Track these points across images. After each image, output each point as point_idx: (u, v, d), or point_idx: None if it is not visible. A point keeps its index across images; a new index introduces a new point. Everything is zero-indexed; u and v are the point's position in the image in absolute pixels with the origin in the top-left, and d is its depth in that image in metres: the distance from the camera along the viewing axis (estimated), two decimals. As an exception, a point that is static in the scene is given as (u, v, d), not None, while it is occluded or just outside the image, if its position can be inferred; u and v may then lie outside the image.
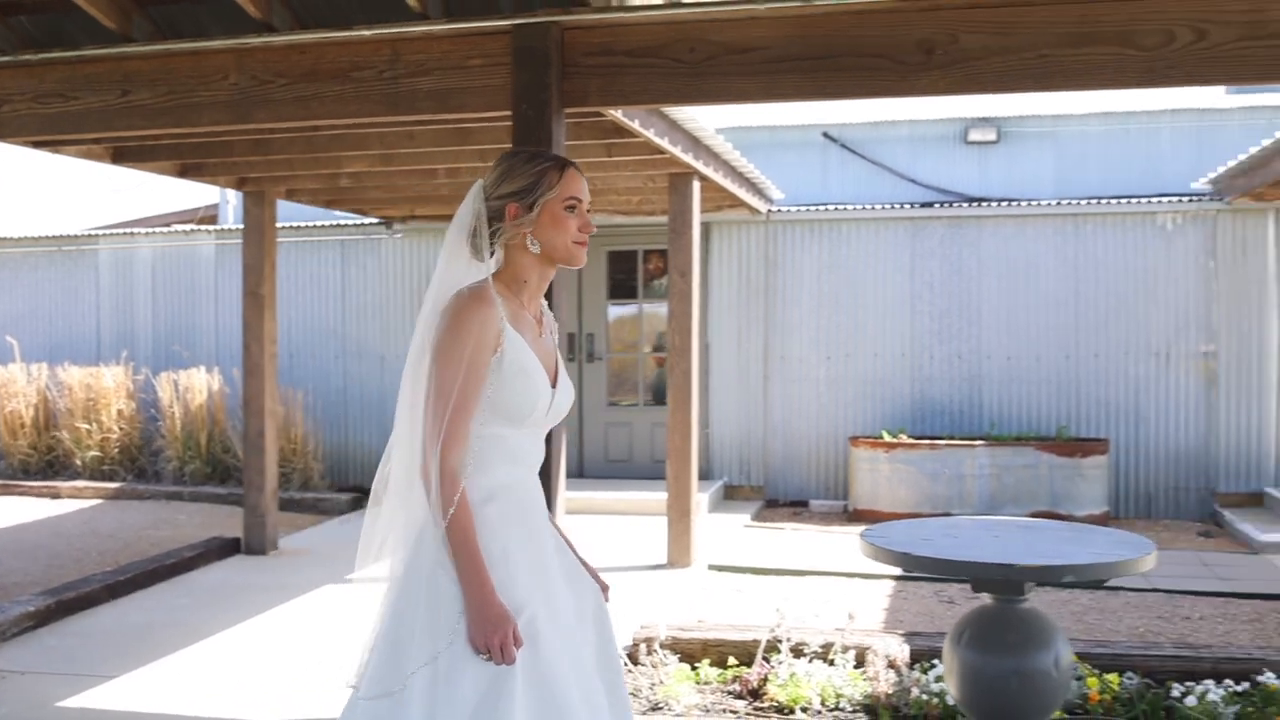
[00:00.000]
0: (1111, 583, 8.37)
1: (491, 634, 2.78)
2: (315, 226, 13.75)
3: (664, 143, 7.41)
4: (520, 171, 2.98)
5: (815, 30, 5.22)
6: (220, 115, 6.00)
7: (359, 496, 11.96)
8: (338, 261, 13.69)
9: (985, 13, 5.13)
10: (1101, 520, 11.14)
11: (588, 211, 3.04)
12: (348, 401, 13.59)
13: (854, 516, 11.45)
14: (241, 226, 10.09)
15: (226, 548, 9.51)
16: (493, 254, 3.00)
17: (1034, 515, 10.86)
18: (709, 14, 5.27)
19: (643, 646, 6.42)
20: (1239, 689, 5.68)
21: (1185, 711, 5.44)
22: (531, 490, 3.07)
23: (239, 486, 11.71)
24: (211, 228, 14.58)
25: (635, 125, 6.73)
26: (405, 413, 3.03)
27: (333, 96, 5.78)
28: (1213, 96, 15.82)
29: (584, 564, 3.24)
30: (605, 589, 3.23)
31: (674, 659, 6.37)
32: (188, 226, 14.96)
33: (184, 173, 9.17)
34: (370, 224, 13.49)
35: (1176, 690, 5.67)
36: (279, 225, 10.88)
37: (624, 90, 5.43)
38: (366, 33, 5.58)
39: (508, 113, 5.51)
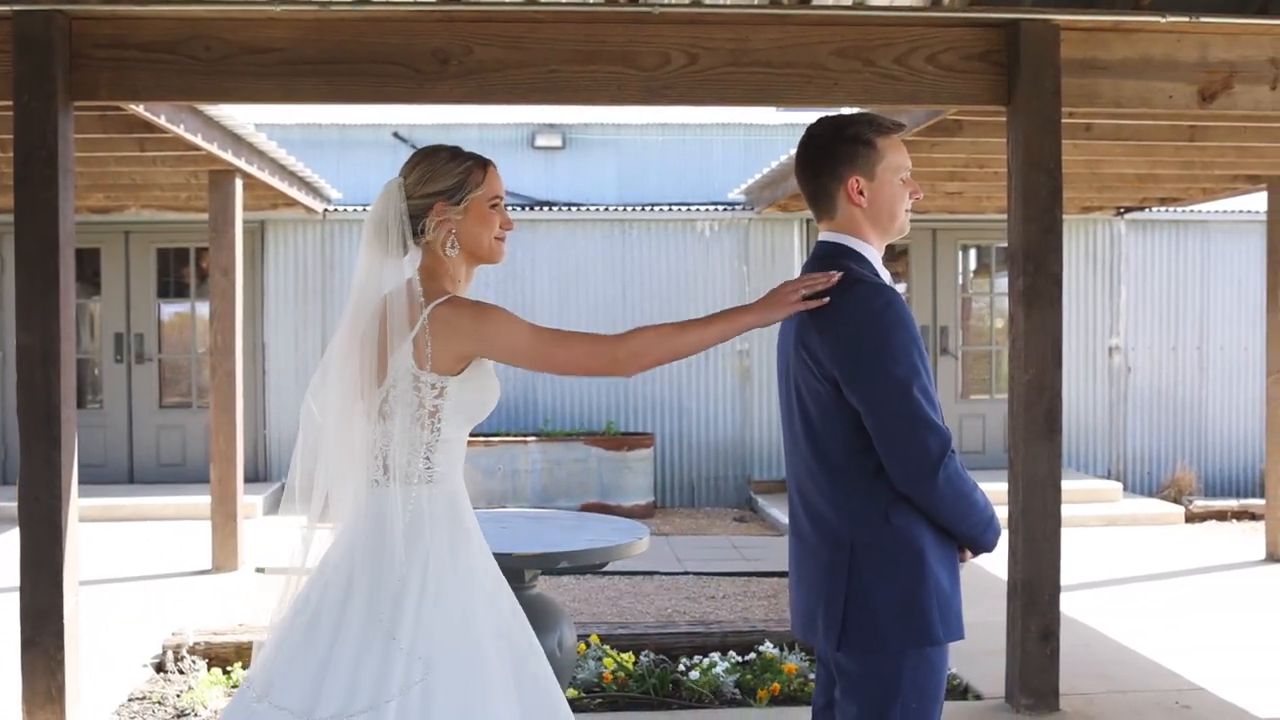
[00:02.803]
0: (646, 568, 8.92)
1: (788, 292, 2.86)
2: None
3: (198, 139, 7.23)
4: (445, 170, 2.94)
5: (333, 35, 5.27)
6: None
7: None
8: None
9: (498, 27, 5.35)
10: (648, 510, 11.78)
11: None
12: None
13: (414, 514, 11.52)
14: None
15: None
16: (407, 252, 2.96)
17: (585, 507, 11.35)
18: (225, 12, 5.22)
19: (171, 654, 6.27)
20: (743, 659, 6.21)
21: (690, 683, 5.88)
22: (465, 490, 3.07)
23: None
24: None
25: (162, 120, 6.54)
26: (337, 416, 2.93)
27: None
28: (762, 114, 17.00)
29: None
30: None
31: (204, 664, 6.27)
32: None
33: None
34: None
35: (685, 664, 6.14)
36: None
37: (136, 85, 5.28)
38: None
39: (10, 102, 5.24)
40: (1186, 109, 5.92)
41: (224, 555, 8.75)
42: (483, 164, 2.99)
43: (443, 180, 2.93)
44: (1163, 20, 5.55)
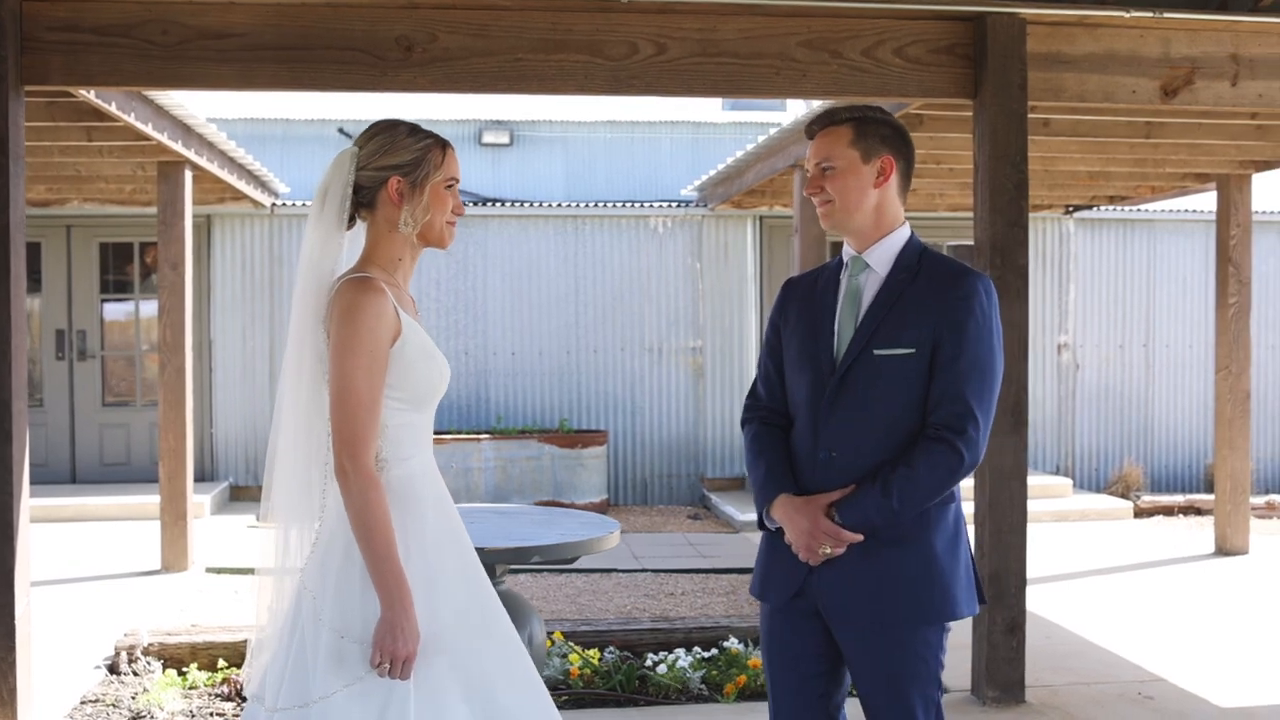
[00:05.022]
0: (604, 565, 8.86)
1: (403, 646, 2.64)
2: None
3: (148, 129, 7.08)
4: (404, 145, 2.83)
5: (294, 20, 5.16)
6: None
7: None
8: None
9: (463, 14, 5.27)
10: (601, 507, 11.71)
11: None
12: None
13: (364, 513, 11.38)
14: None
15: None
16: (353, 226, 2.85)
17: (539, 505, 11.25)
18: (183, -5, 5.11)
19: (124, 655, 6.12)
20: (707, 655, 6.16)
21: (657, 678, 5.83)
22: (438, 472, 2.94)
23: None
24: None
25: (112, 108, 6.39)
26: (289, 408, 2.82)
27: None
28: (709, 111, 17.01)
29: None
30: None
31: (159, 665, 6.13)
32: None
33: None
34: None
35: (651, 660, 6.08)
36: None
37: (90, 70, 5.14)
38: None
39: (-42, 87, 5.08)
40: (1149, 104, 5.95)
41: (173, 555, 8.59)
42: (441, 144, 2.90)
43: (400, 155, 2.83)
44: (1127, 15, 5.56)
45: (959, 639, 5.85)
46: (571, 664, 5.86)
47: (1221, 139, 8.05)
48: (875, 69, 5.56)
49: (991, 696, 5.53)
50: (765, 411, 3.19)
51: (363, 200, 2.85)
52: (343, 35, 5.20)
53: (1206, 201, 12.71)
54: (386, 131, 2.87)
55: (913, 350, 2.96)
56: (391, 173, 2.83)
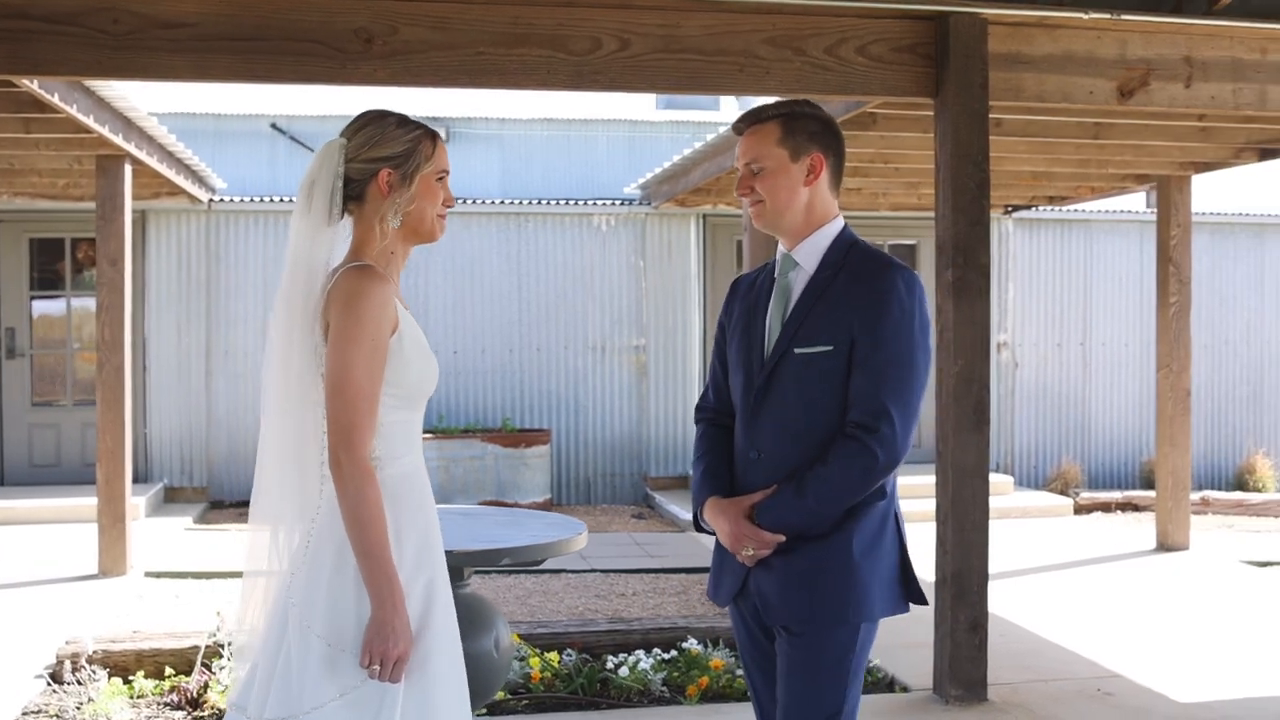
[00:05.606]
0: (553, 566, 8.77)
1: (394, 647, 2.55)
2: None
3: (90, 121, 6.89)
4: (394, 136, 2.75)
5: (250, 11, 5.03)
6: None
7: None
8: None
9: (424, 6, 5.17)
10: (544, 507, 11.61)
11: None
12: None
13: (304, 514, 11.20)
14: None
15: None
16: (341, 218, 2.75)
17: (482, 505, 11.14)
18: (135, -17, 4.96)
19: (68, 664, 5.94)
20: (667, 656, 6.11)
21: (619, 681, 5.77)
22: (426, 472, 2.85)
23: None
24: None
25: (55, 99, 6.21)
26: (275, 408, 2.71)
27: None
28: (644, 110, 17.00)
29: None
30: None
31: (104, 674, 5.96)
32: None
33: None
34: None
35: (612, 662, 6.01)
36: None
37: (38, 59, 4.97)
38: None
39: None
40: (1106, 104, 5.99)
41: (111, 559, 8.38)
42: (431, 135, 2.82)
43: (391, 146, 2.75)
44: (1085, 16, 5.59)
45: (921, 638, 5.87)
46: (532, 667, 5.78)
47: (1166, 140, 8.13)
48: (838, 67, 5.54)
49: (954, 695, 5.53)
50: (713, 413, 3.20)
51: (351, 193, 2.76)
52: (300, 26, 5.08)
53: (1141, 201, 12.92)
54: (375, 122, 2.79)
55: (830, 347, 2.91)
56: (381, 164, 2.74)
